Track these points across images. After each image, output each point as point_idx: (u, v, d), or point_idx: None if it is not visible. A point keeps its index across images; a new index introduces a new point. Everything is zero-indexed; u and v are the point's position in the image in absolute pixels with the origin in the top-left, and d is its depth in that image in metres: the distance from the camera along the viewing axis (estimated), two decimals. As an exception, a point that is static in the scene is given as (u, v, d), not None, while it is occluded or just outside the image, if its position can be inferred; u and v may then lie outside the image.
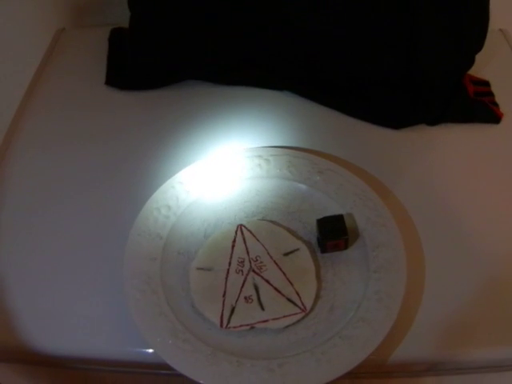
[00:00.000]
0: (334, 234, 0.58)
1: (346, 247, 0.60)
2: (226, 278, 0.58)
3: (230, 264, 0.58)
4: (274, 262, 0.59)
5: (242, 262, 0.59)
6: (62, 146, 0.73)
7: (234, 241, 0.60)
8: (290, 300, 0.56)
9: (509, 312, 0.57)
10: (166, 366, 0.52)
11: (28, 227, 0.65)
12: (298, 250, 0.59)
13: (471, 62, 0.73)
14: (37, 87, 0.81)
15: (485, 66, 0.80)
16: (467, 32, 0.70)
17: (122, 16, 0.80)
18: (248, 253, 0.59)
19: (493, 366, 0.58)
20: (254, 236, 0.60)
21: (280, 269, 0.58)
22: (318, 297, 0.57)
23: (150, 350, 0.55)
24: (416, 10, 0.67)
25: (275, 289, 0.57)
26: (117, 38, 0.86)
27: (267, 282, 0.57)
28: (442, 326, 0.56)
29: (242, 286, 0.57)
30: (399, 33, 0.69)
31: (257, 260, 0.59)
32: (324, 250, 0.60)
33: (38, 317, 0.58)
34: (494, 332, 0.56)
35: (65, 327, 0.57)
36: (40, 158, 0.72)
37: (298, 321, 0.55)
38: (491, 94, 0.77)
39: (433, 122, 0.74)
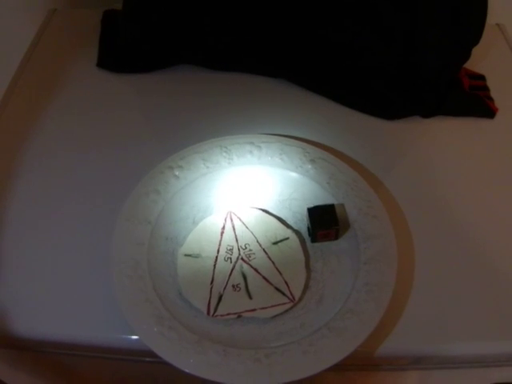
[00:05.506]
0: (324, 223, 0.58)
1: (336, 237, 0.59)
2: (214, 266, 0.57)
3: (218, 251, 0.58)
4: (263, 250, 0.58)
5: (231, 249, 0.58)
6: (49, 128, 0.72)
7: (223, 228, 0.59)
8: (278, 289, 0.55)
9: (498, 307, 0.57)
10: (151, 354, 0.51)
11: (12, 210, 0.64)
12: (287, 238, 0.59)
13: (468, 55, 0.72)
14: (27, 68, 0.80)
15: (481, 61, 0.79)
16: (465, 26, 0.69)
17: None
18: (237, 240, 0.59)
19: (481, 361, 0.58)
20: (244, 223, 0.60)
21: (269, 257, 0.57)
22: (306, 287, 0.56)
23: (136, 337, 0.55)
24: (415, 2, 0.66)
25: (263, 278, 0.56)
26: (109, 20, 0.85)
27: (256, 270, 0.57)
28: (430, 320, 0.56)
29: (230, 274, 0.56)
30: (397, 25, 0.68)
31: (246, 248, 0.58)
32: (314, 240, 0.59)
33: (23, 301, 0.57)
34: (482, 326, 0.56)
35: (50, 312, 0.57)
36: (27, 139, 0.71)
37: (286, 311, 0.55)
38: (486, 89, 0.77)
39: (427, 114, 0.73)
